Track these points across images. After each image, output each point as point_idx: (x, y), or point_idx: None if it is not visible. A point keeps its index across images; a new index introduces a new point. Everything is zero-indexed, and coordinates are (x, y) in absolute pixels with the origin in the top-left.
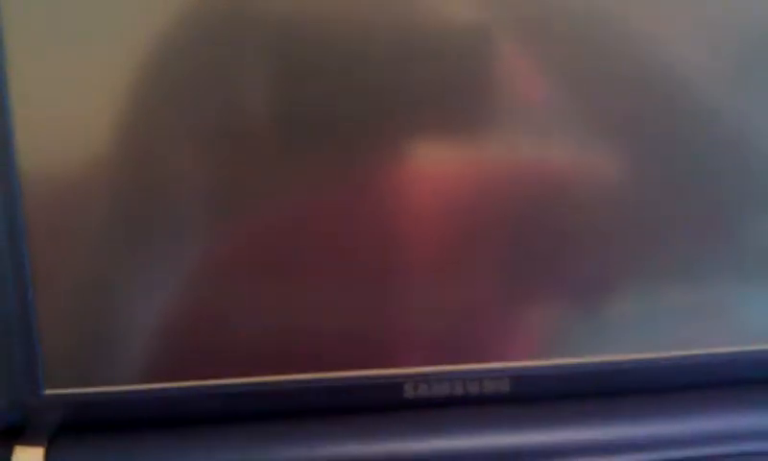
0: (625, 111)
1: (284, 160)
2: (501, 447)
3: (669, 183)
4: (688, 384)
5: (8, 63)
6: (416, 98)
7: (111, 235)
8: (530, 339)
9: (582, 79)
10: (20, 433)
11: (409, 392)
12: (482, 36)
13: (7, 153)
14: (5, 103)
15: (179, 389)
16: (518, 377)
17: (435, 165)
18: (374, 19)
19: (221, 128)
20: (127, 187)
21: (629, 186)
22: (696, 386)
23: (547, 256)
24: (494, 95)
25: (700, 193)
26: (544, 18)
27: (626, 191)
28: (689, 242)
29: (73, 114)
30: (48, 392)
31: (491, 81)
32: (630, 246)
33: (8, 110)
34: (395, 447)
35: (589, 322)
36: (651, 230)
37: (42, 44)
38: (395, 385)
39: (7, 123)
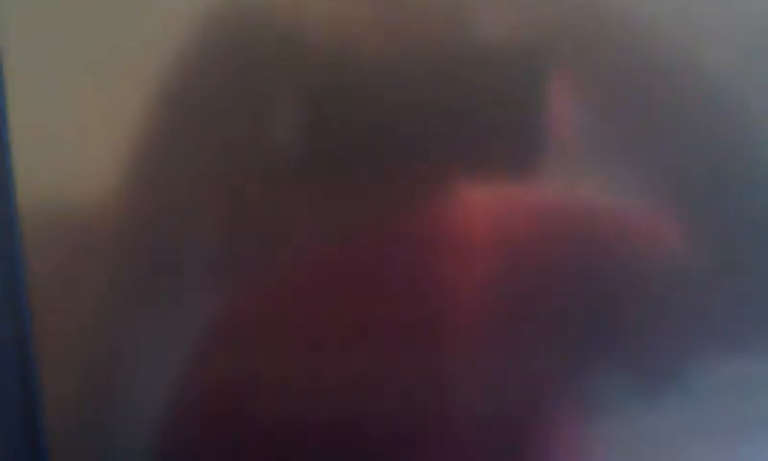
0: (693, 164)
1: (314, 204)
2: None
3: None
4: None
5: (8, 103)
6: (458, 133)
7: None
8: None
9: (647, 120)
10: None
11: None
12: (533, 67)
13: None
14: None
15: None
16: None
17: (483, 206)
18: (414, 51)
19: (238, 172)
20: (136, 240)
21: (693, 250)
22: None
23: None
24: (544, 133)
25: None
26: (601, 50)
27: (690, 255)
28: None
29: (76, 159)
30: None
31: (540, 117)
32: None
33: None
34: None
35: None
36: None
37: (44, 85)
38: None
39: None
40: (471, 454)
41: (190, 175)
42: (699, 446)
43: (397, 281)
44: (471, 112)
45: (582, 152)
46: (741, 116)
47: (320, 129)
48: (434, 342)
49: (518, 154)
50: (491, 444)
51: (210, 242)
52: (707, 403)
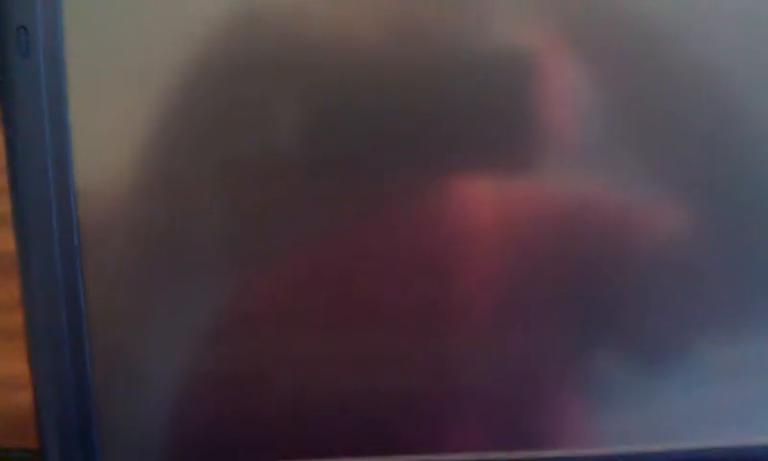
0: (694, 157)
1: (323, 197)
2: None
3: (740, 239)
4: None
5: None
6: (458, 131)
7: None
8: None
9: (645, 113)
10: None
11: None
12: (529, 64)
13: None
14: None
15: None
16: None
17: (488, 199)
18: (414, 50)
19: (253, 165)
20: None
21: (693, 238)
22: None
23: (608, 310)
24: (544, 127)
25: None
26: (599, 45)
27: (689, 243)
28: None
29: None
30: None
31: (540, 111)
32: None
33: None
34: None
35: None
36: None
37: (99, 73)
38: None
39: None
40: (477, 434)
41: (208, 165)
42: (701, 425)
43: (404, 275)
44: (474, 112)
45: (583, 148)
46: (742, 109)
47: (325, 129)
48: (441, 331)
49: (521, 151)
50: (496, 425)
51: (226, 230)
52: (709, 384)
